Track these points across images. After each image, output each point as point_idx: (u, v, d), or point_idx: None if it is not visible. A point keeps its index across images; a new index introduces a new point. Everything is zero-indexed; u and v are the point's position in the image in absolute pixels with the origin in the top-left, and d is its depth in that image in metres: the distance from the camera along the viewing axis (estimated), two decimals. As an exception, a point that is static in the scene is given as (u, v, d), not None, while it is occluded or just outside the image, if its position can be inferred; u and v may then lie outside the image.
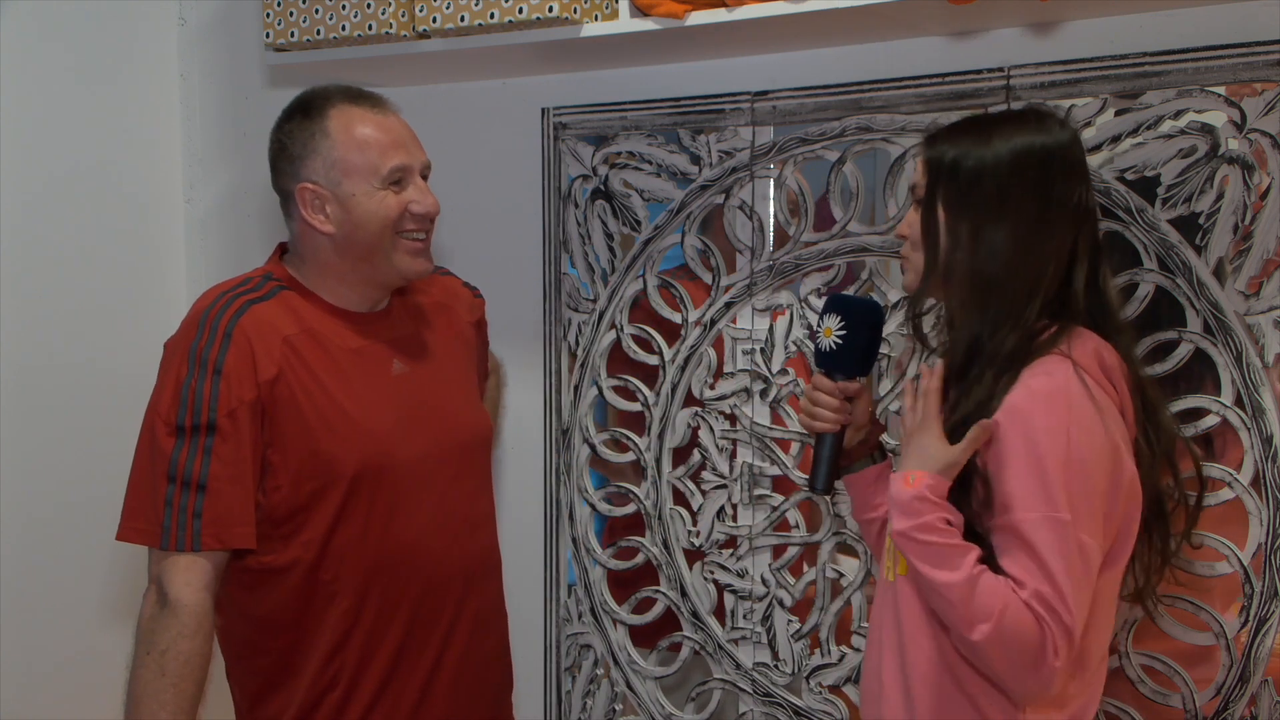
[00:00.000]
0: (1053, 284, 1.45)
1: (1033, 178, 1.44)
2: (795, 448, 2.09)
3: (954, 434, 1.43)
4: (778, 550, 2.13)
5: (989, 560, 1.39)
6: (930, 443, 1.44)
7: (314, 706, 1.71)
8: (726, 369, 2.15)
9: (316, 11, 2.14)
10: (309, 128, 1.70)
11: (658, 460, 2.22)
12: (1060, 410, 1.37)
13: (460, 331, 1.93)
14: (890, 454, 1.73)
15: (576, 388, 2.29)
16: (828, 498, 2.03)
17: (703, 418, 2.17)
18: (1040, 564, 1.34)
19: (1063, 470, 1.35)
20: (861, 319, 1.60)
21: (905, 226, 1.54)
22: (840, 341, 1.60)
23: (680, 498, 2.22)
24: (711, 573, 2.18)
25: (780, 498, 2.11)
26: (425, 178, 1.75)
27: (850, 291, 2.02)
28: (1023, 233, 1.43)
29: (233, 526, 1.63)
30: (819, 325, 1.63)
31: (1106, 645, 1.49)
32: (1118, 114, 1.78)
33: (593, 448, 2.29)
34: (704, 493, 2.18)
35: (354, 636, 1.71)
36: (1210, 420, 1.75)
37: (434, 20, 2.01)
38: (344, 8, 2.11)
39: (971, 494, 1.42)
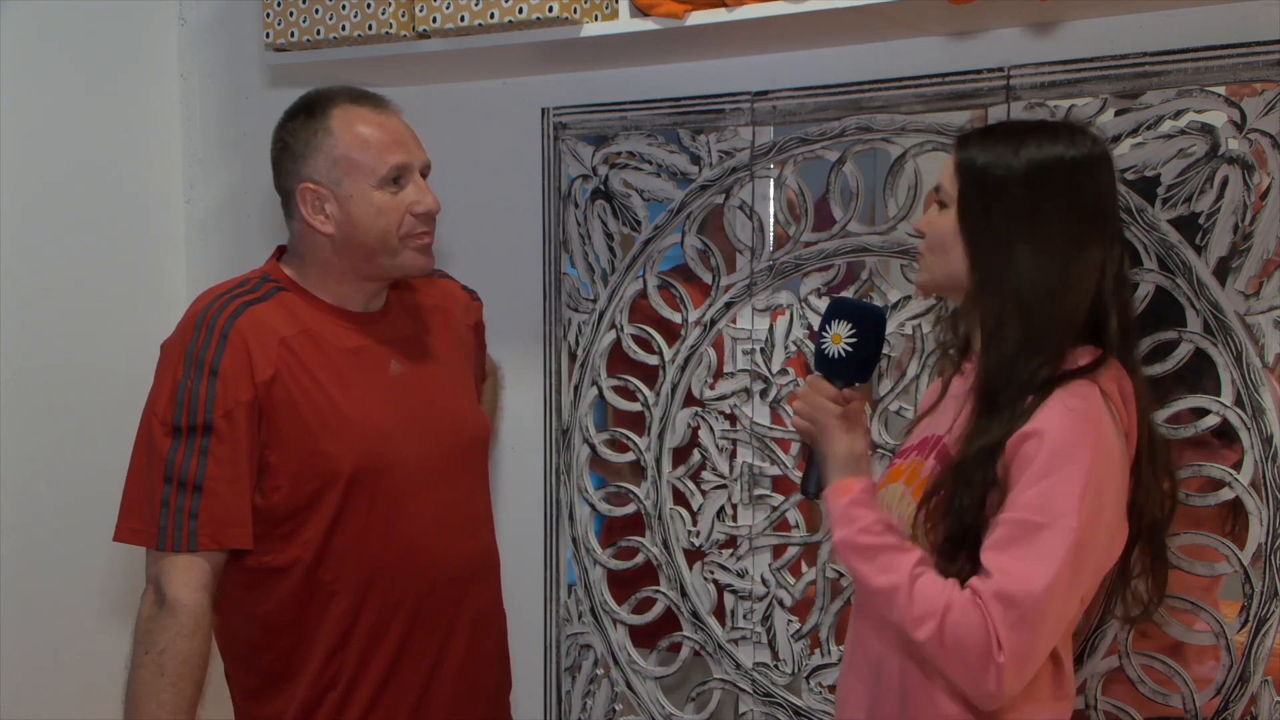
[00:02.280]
0: (1085, 309, 1.42)
1: (1062, 192, 1.41)
2: (795, 448, 2.09)
3: (982, 458, 1.40)
4: (778, 550, 2.13)
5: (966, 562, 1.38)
6: (836, 444, 1.46)
7: (314, 706, 1.71)
8: (726, 369, 2.15)
9: (316, 11, 2.14)
10: (312, 126, 1.71)
11: (658, 460, 2.22)
12: (1091, 432, 1.36)
13: (457, 333, 1.93)
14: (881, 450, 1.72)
15: (576, 388, 2.29)
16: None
17: (703, 418, 2.17)
18: (1026, 561, 1.32)
19: (1080, 485, 1.33)
20: (872, 327, 1.58)
21: (925, 224, 1.51)
22: (850, 349, 1.57)
23: (680, 498, 2.22)
24: (711, 573, 2.18)
25: (780, 498, 2.11)
26: (425, 177, 1.75)
27: (850, 292, 2.02)
28: (1054, 252, 1.40)
29: (229, 527, 1.63)
30: (825, 330, 1.59)
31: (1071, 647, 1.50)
32: (1118, 114, 1.78)
33: (593, 448, 2.29)
34: (704, 493, 2.18)
35: (354, 636, 1.71)
36: (1210, 420, 1.75)
37: (434, 20, 2.01)
38: (344, 8, 2.11)
39: (984, 507, 1.40)
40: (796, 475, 2.08)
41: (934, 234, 1.49)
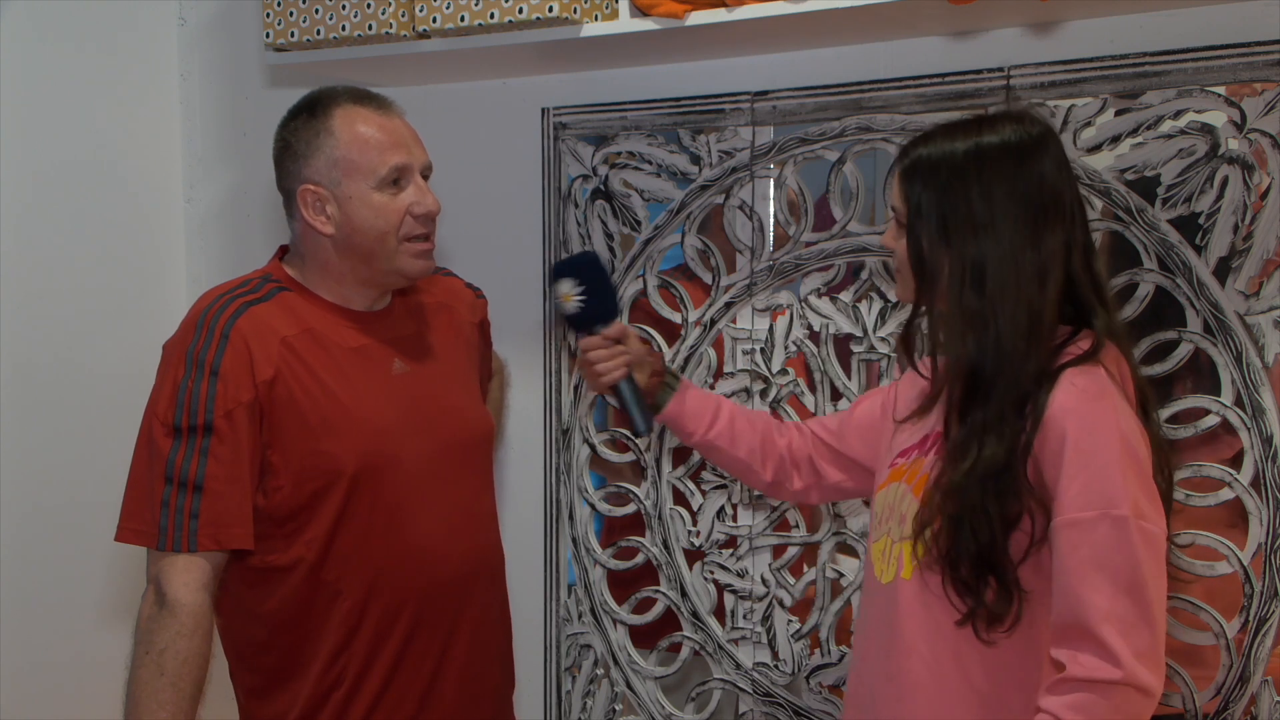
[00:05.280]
0: (1058, 293, 1.40)
1: (1011, 177, 1.40)
2: (795, 448, 2.09)
3: (982, 479, 1.37)
4: (778, 550, 2.13)
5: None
6: None
7: (318, 705, 1.71)
8: (726, 369, 2.15)
9: (316, 11, 2.14)
10: (314, 126, 1.70)
11: (658, 460, 2.22)
12: (1109, 407, 1.34)
13: (461, 331, 1.92)
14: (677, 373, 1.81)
15: (576, 388, 2.29)
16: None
17: (703, 418, 2.17)
18: (1095, 569, 1.30)
19: (1118, 465, 1.31)
20: (590, 271, 1.73)
21: (889, 239, 1.51)
22: (584, 298, 1.71)
23: (680, 498, 2.22)
24: (711, 573, 2.18)
25: (780, 498, 2.11)
26: (426, 178, 1.75)
27: (850, 292, 2.02)
28: (1015, 239, 1.38)
29: (229, 527, 1.63)
30: (556, 296, 1.73)
31: None
32: (1118, 114, 1.78)
33: (593, 448, 2.29)
34: (704, 493, 2.18)
35: (358, 635, 1.71)
36: (1210, 420, 1.75)
37: (434, 20, 2.01)
38: (344, 8, 2.11)
39: (1022, 522, 1.37)
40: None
41: (900, 249, 1.49)
